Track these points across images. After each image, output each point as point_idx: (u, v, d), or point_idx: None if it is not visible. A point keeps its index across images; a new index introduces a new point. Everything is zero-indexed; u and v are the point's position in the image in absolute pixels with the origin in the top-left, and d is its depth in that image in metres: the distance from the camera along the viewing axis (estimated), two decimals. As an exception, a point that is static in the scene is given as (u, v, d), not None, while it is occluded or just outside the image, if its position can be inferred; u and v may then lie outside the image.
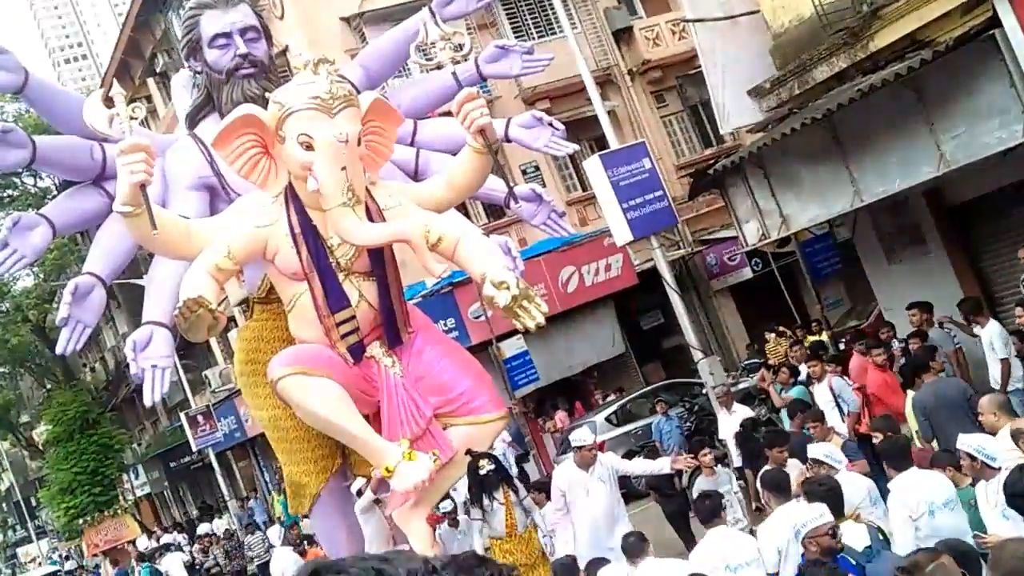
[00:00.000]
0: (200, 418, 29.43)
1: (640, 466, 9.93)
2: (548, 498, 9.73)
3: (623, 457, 11.62)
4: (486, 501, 7.86)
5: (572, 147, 6.56)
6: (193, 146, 6.01)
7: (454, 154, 5.74)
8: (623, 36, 23.90)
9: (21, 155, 5.68)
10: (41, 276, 37.55)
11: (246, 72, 5.82)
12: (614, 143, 16.40)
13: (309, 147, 4.76)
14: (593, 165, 15.63)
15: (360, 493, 6.79)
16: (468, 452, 5.32)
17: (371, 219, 4.89)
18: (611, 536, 8.66)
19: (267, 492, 30.17)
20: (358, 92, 5.20)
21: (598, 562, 7.26)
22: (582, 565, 7.63)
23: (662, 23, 23.98)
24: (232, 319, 25.37)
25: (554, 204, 6.69)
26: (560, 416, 19.37)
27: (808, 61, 12.86)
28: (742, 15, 13.97)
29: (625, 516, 9.24)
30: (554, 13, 19.88)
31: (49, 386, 46.89)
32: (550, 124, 6.36)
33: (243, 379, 6.00)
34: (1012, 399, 8.62)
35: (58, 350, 5.97)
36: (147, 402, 5.61)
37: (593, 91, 16.52)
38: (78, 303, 5.58)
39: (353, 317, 5.06)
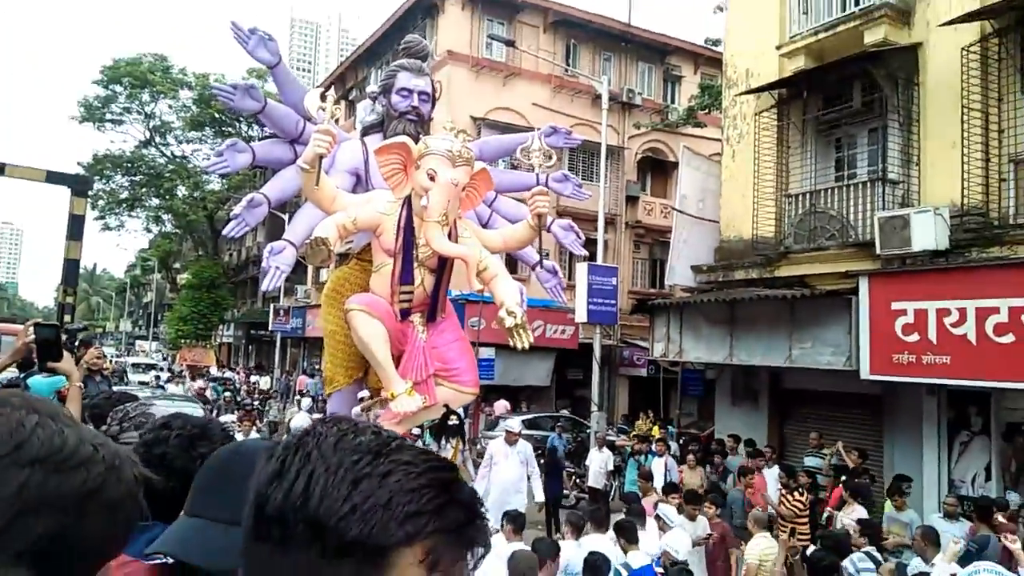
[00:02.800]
0: (282, 312, 29.14)
1: (536, 478, 9.09)
2: (480, 457, 9.44)
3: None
4: (443, 441, 7.58)
5: (584, 252, 6.45)
6: (359, 147, 5.87)
7: (512, 222, 5.62)
8: (631, 200, 23.85)
9: (255, 106, 5.53)
10: (226, 185, 37.27)
11: (411, 119, 5.69)
12: (600, 260, 16.34)
13: (432, 178, 4.62)
14: (582, 269, 15.58)
15: (362, 400, 6.54)
16: (445, 406, 5.10)
17: (450, 238, 4.75)
18: (514, 496, 8.45)
19: (299, 374, 29.68)
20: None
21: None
22: (491, 508, 7.27)
23: (657, 203, 23.97)
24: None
25: (562, 280, 6.55)
26: (500, 404, 18.83)
27: (735, 264, 12.84)
28: (707, 220, 13.97)
29: (525, 490, 8.89)
30: (597, 169, 19.92)
31: (200, 252, 46.50)
32: (576, 233, 6.24)
33: (326, 299, 5.80)
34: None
35: (224, 232, 5.74)
36: (262, 289, 5.42)
37: (601, 225, 16.49)
38: (249, 208, 5.39)
39: (411, 292, 4.90)
